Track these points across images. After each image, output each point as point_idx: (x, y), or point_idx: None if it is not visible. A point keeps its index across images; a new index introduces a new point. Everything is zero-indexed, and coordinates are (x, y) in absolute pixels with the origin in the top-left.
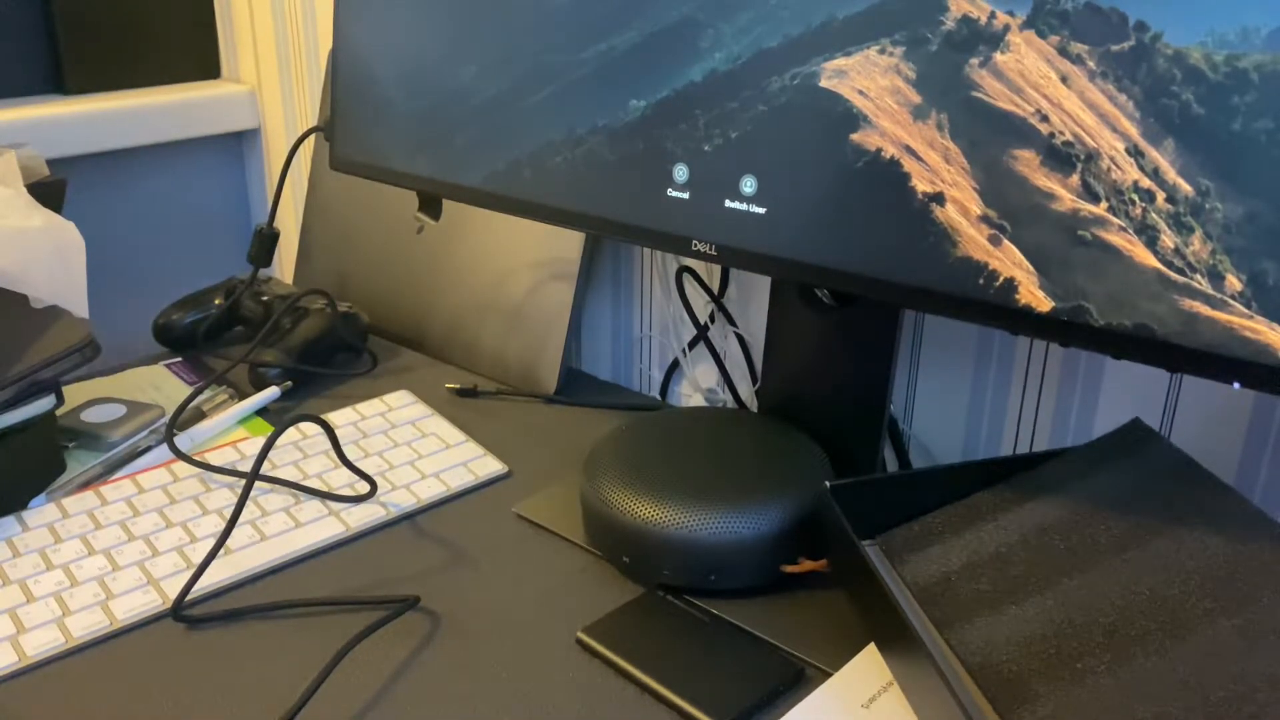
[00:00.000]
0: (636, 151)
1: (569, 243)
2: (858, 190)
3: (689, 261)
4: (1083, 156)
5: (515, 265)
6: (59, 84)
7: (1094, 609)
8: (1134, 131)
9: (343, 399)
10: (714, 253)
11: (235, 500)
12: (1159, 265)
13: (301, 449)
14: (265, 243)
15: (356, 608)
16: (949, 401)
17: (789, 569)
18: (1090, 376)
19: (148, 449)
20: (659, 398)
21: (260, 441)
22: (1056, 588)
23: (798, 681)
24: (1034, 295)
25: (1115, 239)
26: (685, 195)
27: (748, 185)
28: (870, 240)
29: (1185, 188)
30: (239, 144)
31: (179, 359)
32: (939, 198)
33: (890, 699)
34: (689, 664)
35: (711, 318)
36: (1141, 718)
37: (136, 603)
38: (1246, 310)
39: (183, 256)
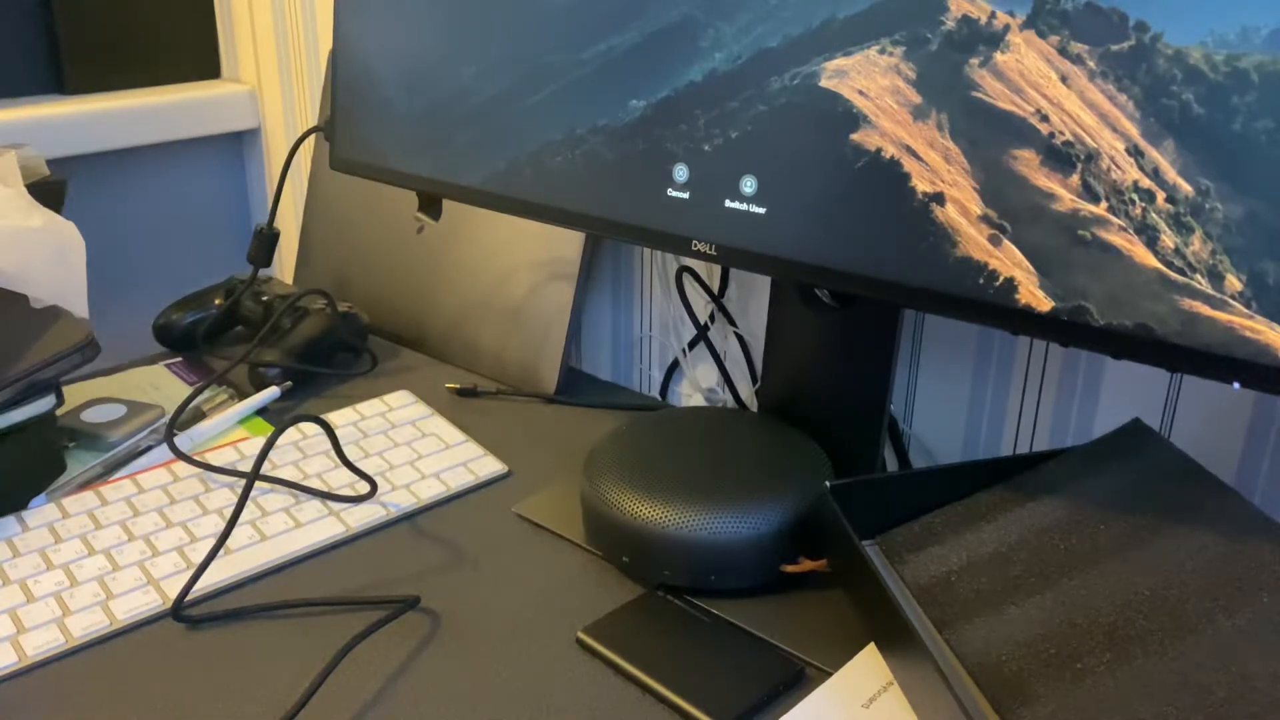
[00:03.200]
0: (636, 151)
1: (569, 243)
2: (858, 190)
3: (689, 261)
4: (1083, 156)
5: (515, 265)
6: (59, 84)
7: (1094, 609)
8: (1134, 131)
9: (343, 399)
10: (714, 253)
11: (235, 500)
12: (1159, 265)
13: (301, 449)
14: (265, 243)
15: (356, 608)
16: (949, 401)
17: (789, 569)
18: (1090, 376)
19: (148, 449)
20: (659, 398)
21: (260, 441)
22: (1056, 588)
23: (798, 681)
24: (1034, 295)
25: (1115, 239)
26: (685, 195)
27: (748, 185)
28: (870, 240)
29: (1185, 188)
30: (239, 144)
31: (179, 359)
32: (939, 198)
33: (890, 699)
34: (689, 664)
35: (711, 318)
36: (1142, 718)
37: (136, 603)
38: (1246, 310)
39: (183, 256)
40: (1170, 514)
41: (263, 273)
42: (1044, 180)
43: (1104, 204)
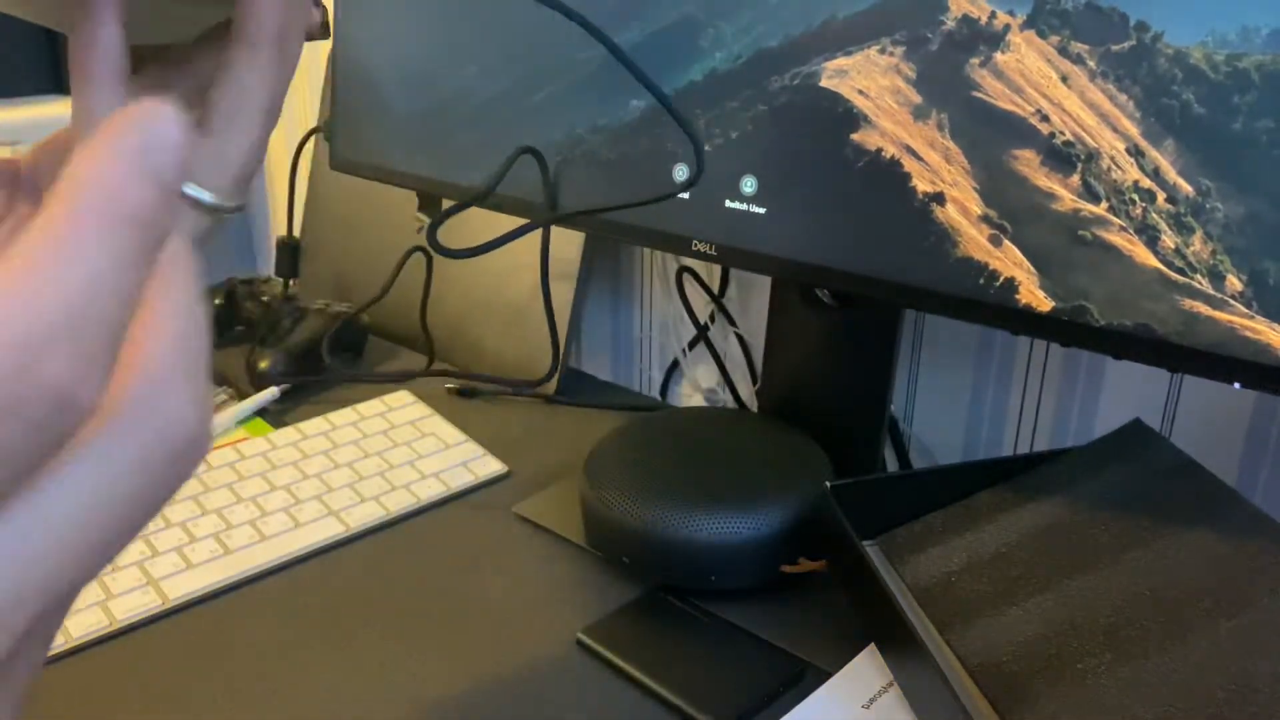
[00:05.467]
0: (637, 151)
1: (569, 243)
2: (858, 190)
3: (689, 261)
4: (1083, 156)
5: (515, 265)
6: (59, 84)
7: (1094, 609)
8: (1134, 131)
9: (343, 399)
10: (714, 253)
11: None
12: (1160, 265)
13: (301, 449)
14: (289, 253)
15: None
16: (950, 402)
17: (789, 569)
18: (1091, 377)
19: None
20: (659, 398)
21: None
22: (1057, 588)
23: (798, 682)
24: (1035, 295)
25: (1116, 239)
26: (685, 195)
27: (748, 185)
28: (871, 240)
29: (1186, 187)
30: None
31: None
32: (939, 198)
33: (890, 699)
34: (689, 665)
35: (711, 318)
36: (1142, 718)
37: (136, 603)
38: (1247, 310)
39: None
40: (1171, 514)
41: (262, 273)
42: (1044, 180)
43: (1104, 204)
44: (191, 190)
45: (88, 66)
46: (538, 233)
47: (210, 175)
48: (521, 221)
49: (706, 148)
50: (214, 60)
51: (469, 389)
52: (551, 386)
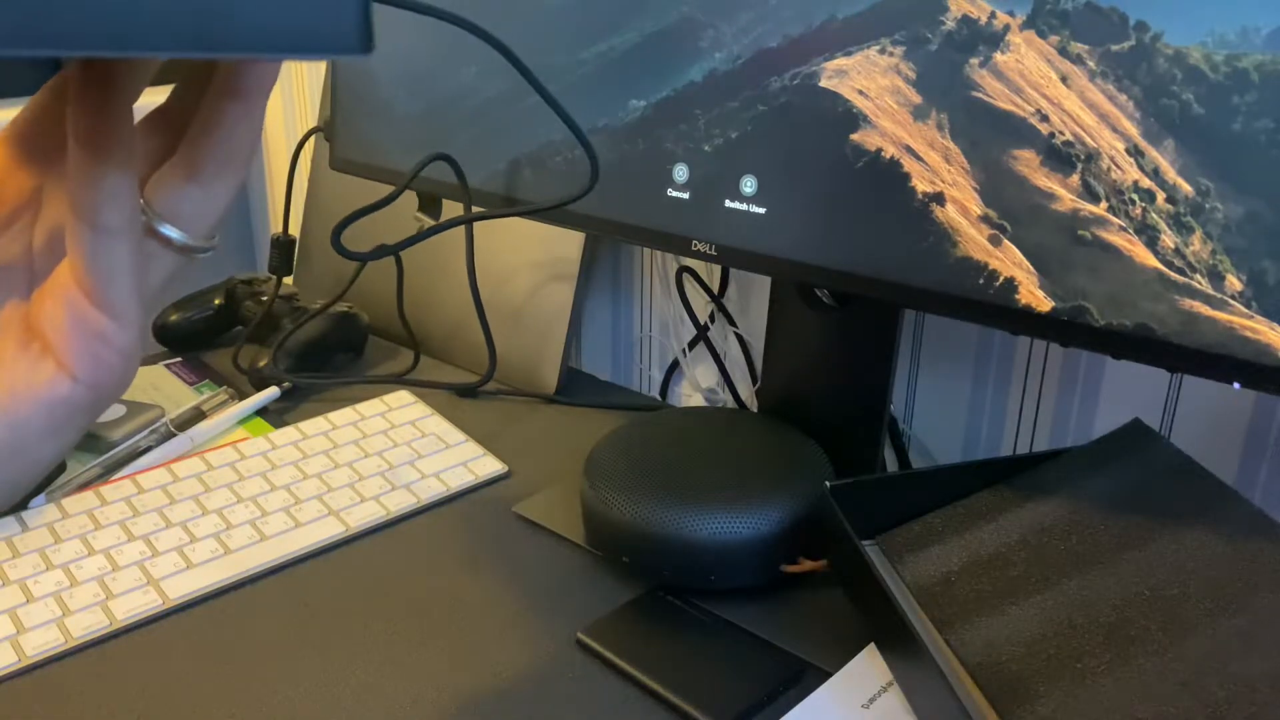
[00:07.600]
0: (636, 151)
1: (569, 243)
2: (858, 190)
3: (689, 261)
4: (1083, 156)
5: (515, 265)
6: None
7: (1094, 609)
8: (1134, 131)
9: (343, 399)
10: (714, 253)
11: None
12: (1159, 265)
13: (301, 449)
14: (285, 251)
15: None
16: (949, 401)
17: (789, 569)
18: (1090, 377)
19: (148, 449)
20: (659, 398)
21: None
22: (1056, 588)
23: (798, 681)
24: (1034, 295)
25: (1115, 239)
26: (685, 195)
27: (748, 185)
28: (870, 240)
29: (1185, 188)
30: None
31: (179, 359)
32: (939, 198)
33: (890, 699)
34: (689, 664)
35: (711, 318)
36: (1141, 718)
37: (136, 603)
38: (1247, 310)
39: None
40: (1170, 514)
41: (263, 273)
42: (1044, 180)
43: (1104, 204)
44: (168, 230)
45: (100, 147)
46: (538, 232)
47: (194, 220)
48: (524, 218)
49: (706, 148)
50: (191, 105)
51: (469, 389)
52: (554, 385)
